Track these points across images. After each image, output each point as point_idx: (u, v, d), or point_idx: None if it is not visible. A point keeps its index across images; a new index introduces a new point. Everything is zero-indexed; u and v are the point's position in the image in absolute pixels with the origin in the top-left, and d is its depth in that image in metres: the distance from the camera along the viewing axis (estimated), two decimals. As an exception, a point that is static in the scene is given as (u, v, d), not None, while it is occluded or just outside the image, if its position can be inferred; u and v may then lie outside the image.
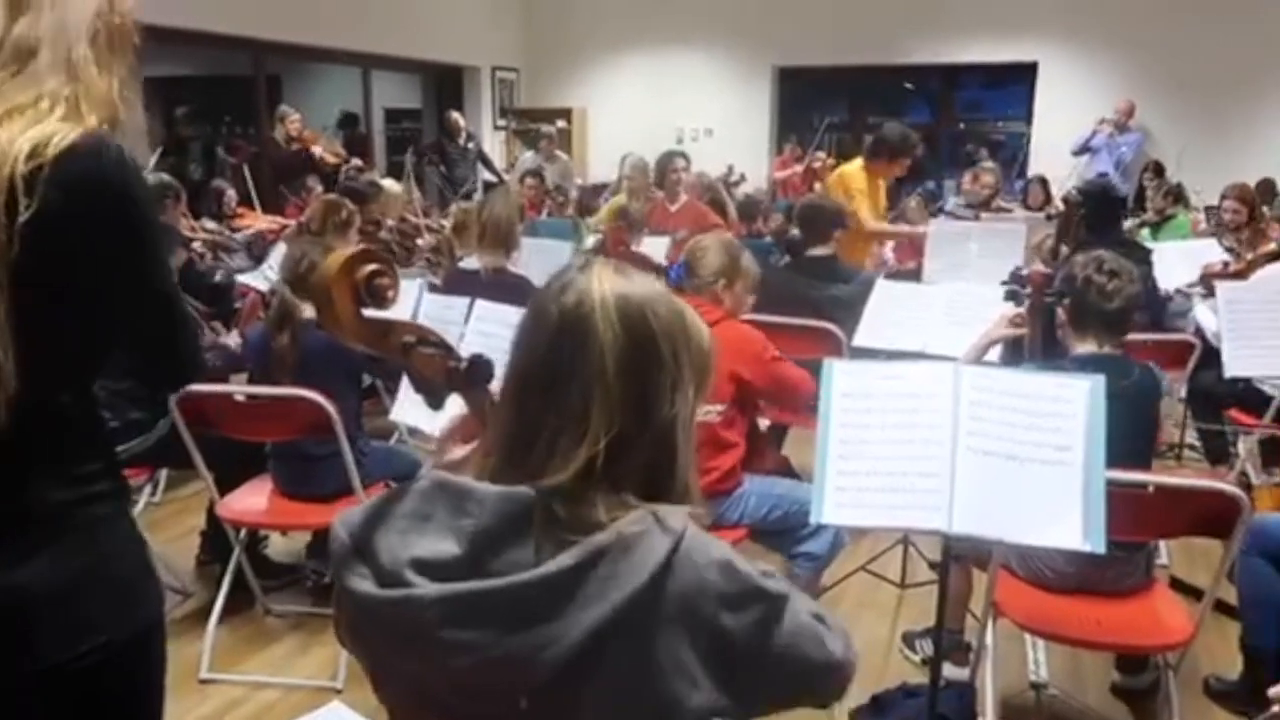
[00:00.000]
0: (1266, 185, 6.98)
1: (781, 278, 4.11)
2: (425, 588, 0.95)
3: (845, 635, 1.08)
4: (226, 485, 3.03)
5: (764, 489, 2.81)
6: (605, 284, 1.03)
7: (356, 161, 7.78)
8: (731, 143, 10.27)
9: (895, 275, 4.79)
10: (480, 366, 1.14)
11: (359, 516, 1.03)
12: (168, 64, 11.20)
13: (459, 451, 1.15)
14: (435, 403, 1.18)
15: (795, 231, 4.08)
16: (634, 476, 1.01)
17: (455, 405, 1.18)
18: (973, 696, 2.46)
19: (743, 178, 9.33)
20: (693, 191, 6.41)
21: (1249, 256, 4.55)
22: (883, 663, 2.95)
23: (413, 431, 3.85)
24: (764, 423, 3.55)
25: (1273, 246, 4.46)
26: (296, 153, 7.45)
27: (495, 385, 1.12)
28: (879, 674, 2.84)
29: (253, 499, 3.03)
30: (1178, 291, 4.38)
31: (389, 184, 5.96)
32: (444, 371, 1.15)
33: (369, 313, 1.11)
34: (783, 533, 2.81)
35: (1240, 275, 4.16)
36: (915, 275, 4.60)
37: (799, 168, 9.03)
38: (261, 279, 4.63)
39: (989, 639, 2.40)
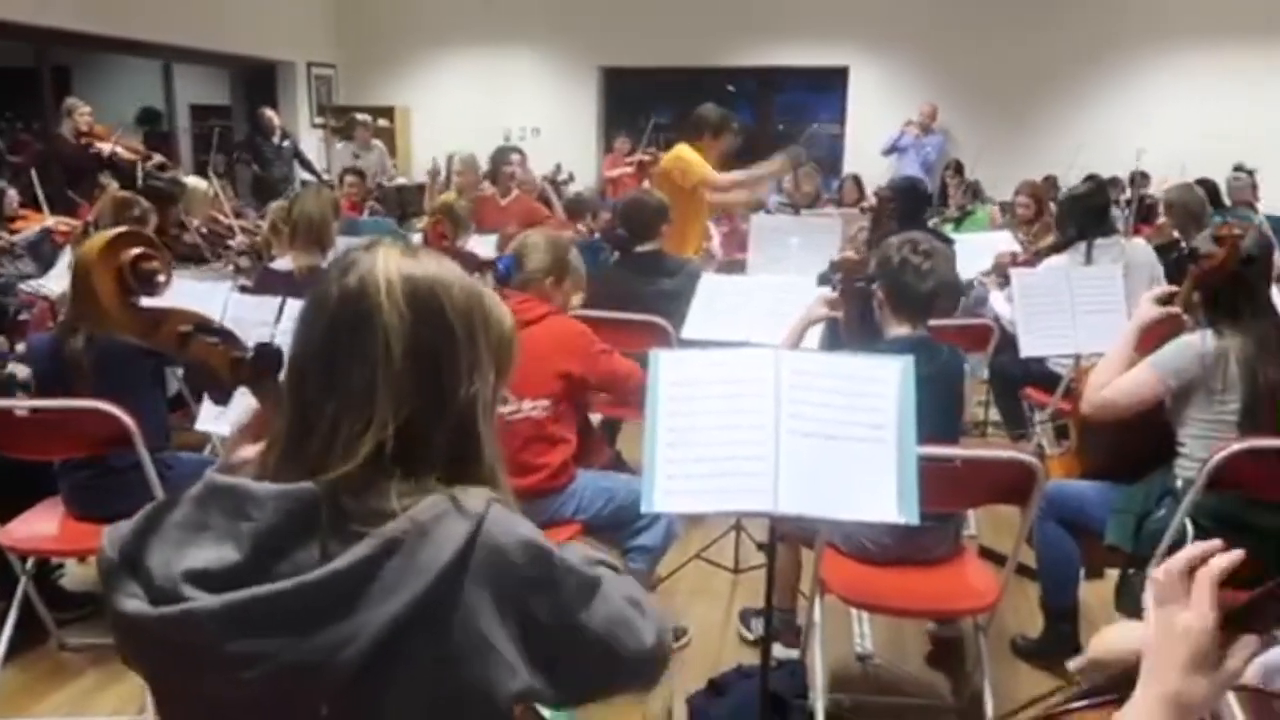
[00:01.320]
0: (1050, 181, 7.60)
1: (611, 274, 4.14)
2: (203, 600, 0.88)
3: (660, 624, 1.07)
4: (9, 510, 2.75)
5: (597, 483, 2.80)
6: (391, 265, 0.98)
7: (158, 158, 7.24)
8: (559, 142, 10.26)
9: (724, 268, 4.91)
10: (268, 356, 1.07)
11: (128, 529, 0.95)
12: (-67, 53, 10.14)
13: (248, 450, 1.07)
14: (220, 398, 1.10)
15: (620, 229, 4.11)
16: (433, 462, 0.97)
17: (245, 400, 1.10)
18: (803, 672, 2.54)
19: (571, 177, 9.33)
20: (525, 187, 6.36)
21: (1036, 247, 4.93)
22: (719, 647, 3.01)
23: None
24: (595, 418, 3.55)
25: (1052, 240, 4.84)
26: (86, 148, 6.86)
27: None
28: (715, 658, 2.89)
29: (40, 524, 2.76)
30: (975, 281, 4.68)
31: (194, 182, 5.59)
32: (228, 363, 1.08)
33: (138, 301, 1.03)
34: (617, 527, 2.81)
35: (1029, 263, 4.49)
36: (741, 268, 4.72)
37: (633, 158, 9.11)
38: (50, 285, 4.24)
39: (817, 615, 2.48)
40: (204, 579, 0.90)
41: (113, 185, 5.98)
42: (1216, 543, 0.96)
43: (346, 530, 0.92)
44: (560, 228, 6.17)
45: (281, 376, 1.08)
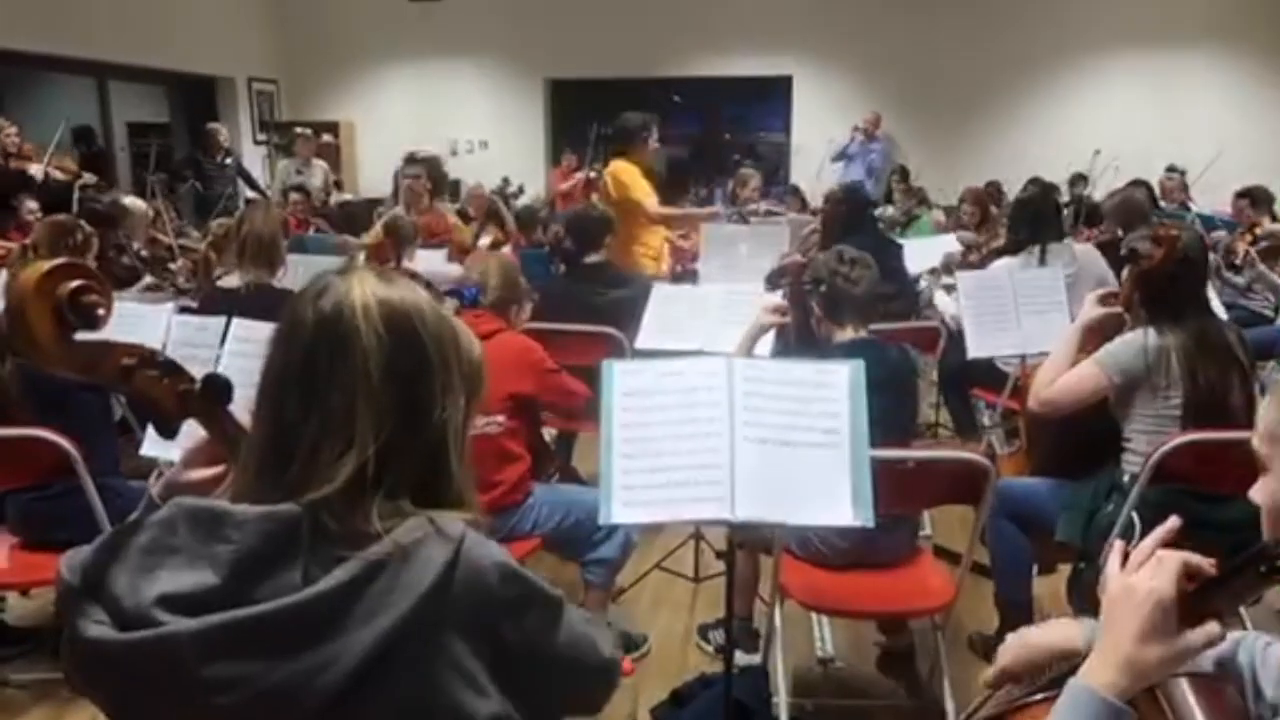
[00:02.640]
0: (994, 187, 7.75)
1: (562, 287, 4.13)
2: (180, 624, 0.87)
3: (611, 637, 1.11)
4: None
5: (554, 497, 2.80)
6: (367, 289, 0.98)
7: (89, 177, 7.00)
8: (507, 155, 10.24)
9: (676, 279, 4.93)
10: (216, 387, 1.04)
11: (89, 555, 0.93)
12: None
13: (196, 473, 1.07)
14: (167, 431, 1.07)
15: (568, 242, 4.13)
16: (408, 484, 0.97)
17: (193, 432, 1.08)
18: (765, 678, 2.54)
19: (520, 189, 9.31)
20: (477, 203, 6.34)
21: (984, 250, 5.02)
22: (681, 657, 3.00)
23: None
24: (549, 432, 3.53)
25: (1003, 241, 4.94)
26: (18, 170, 6.62)
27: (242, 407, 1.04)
28: (678, 668, 2.88)
29: (-19, 556, 2.68)
30: (922, 278, 4.75)
31: (132, 202, 5.47)
32: (174, 396, 1.05)
33: (77, 335, 1.00)
34: (575, 541, 2.80)
35: (981, 264, 4.57)
36: (693, 278, 4.75)
37: (579, 176, 9.10)
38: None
39: (777, 621, 2.49)
40: (178, 603, 0.88)
41: (27, 204, 5.77)
42: (1176, 520, 0.99)
43: (328, 553, 0.91)
44: (511, 240, 6.15)
45: (230, 406, 1.07)
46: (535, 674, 0.99)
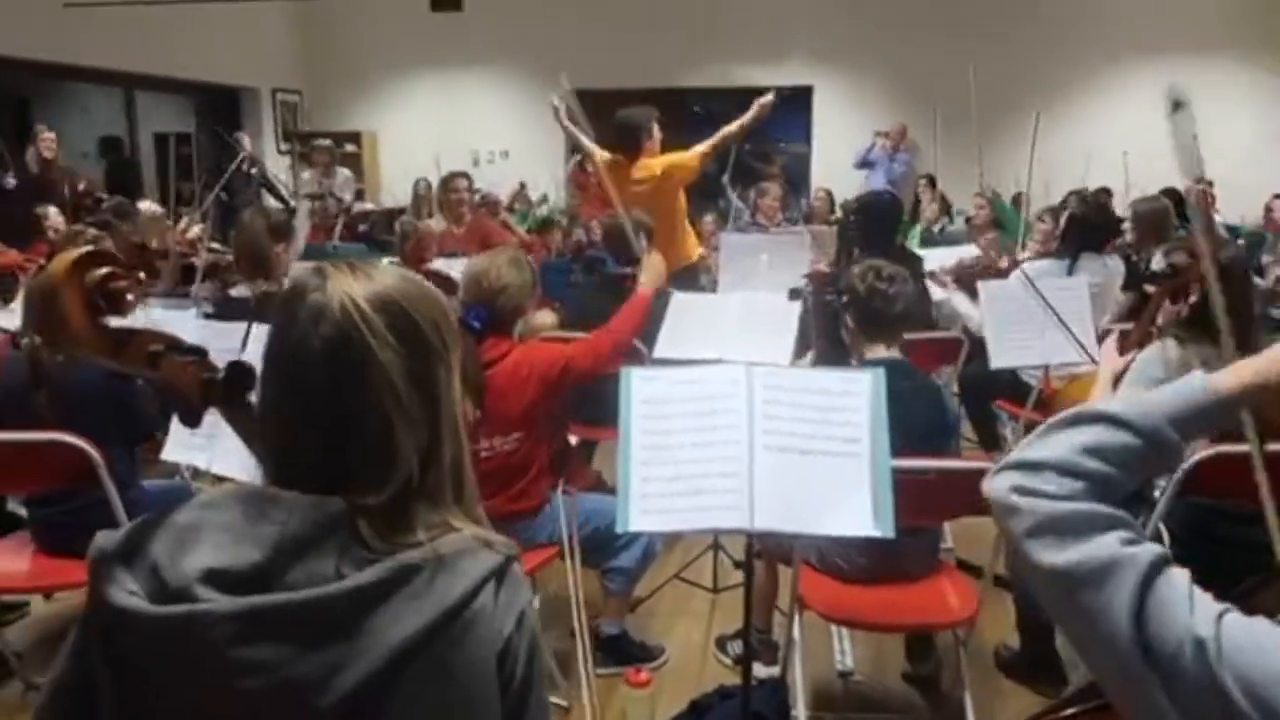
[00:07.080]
0: (1015, 198, 7.71)
1: (587, 296, 4.12)
2: (216, 602, 0.86)
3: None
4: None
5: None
6: (354, 293, 0.95)
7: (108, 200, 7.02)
8: (527, 164, 10.27)
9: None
10: (239, 375, 1.04)
11: (123, 529, 0.92)
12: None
13: None
14: (191, 419, 1.08)
15: (599, 250, 4.13)
16: (443, 482, 0.98)
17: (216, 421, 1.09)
18: (785, 691, 2.52)
19: (545, 197, 9.34)
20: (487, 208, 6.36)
21: (1025, 255, 4.94)
22: (699, 668, 2.98)
23: (197, 473, 3.56)
24: (574, 439, 3.53)
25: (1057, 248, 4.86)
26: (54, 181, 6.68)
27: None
28: (696, 679, 2.87)
29: (7, 560, 2.69)
30: (931, 274, 4.66)
31: (146, 205, 5.53)
32: (198, 383, 1.05)
33: (106, 321, 1.01)
34: (595, 549, 2.79)
35: (1002, 273, 4.52)
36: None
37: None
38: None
39: (796, 633, 2.47)
40: (220, 579, 0.87)
41: (51, 217, 5.83)
42: None
43: (359, 553, 0.91)
44: (527, 248, 6.17)
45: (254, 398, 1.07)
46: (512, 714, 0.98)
